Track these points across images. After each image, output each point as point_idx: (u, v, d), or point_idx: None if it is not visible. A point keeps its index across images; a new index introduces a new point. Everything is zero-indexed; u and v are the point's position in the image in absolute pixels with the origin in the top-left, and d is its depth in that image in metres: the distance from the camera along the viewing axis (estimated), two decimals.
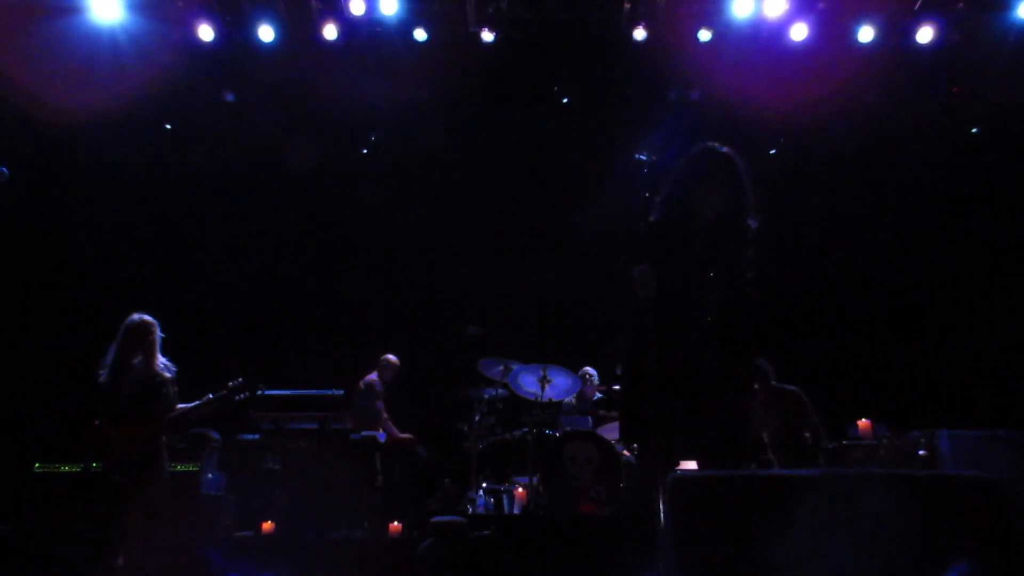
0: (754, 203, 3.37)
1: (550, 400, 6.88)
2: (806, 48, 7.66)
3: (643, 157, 4.21)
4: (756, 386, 5.93)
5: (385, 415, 7.31)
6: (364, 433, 6.76)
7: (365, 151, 9.16)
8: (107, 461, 4.93)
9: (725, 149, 3.39)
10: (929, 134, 8.53)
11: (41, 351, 8.14)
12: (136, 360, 4.95)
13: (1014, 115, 8.10)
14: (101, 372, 4.94)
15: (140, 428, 4.82)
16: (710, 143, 3.42)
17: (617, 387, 7.02)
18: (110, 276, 8.63)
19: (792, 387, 6.06)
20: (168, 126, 8.68)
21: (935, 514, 2.69)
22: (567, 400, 7.30)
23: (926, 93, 8.27)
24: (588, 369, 7.43)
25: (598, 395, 7.44)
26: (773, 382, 6.04)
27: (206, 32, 7.53)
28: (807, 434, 5.90)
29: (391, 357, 7.60)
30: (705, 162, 3.38)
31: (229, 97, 8.44)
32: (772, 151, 9.15)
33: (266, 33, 7.58)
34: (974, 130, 8.71)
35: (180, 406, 5.02)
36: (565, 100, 8.72)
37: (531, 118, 8.93)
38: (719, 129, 8.50)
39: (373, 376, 7.42)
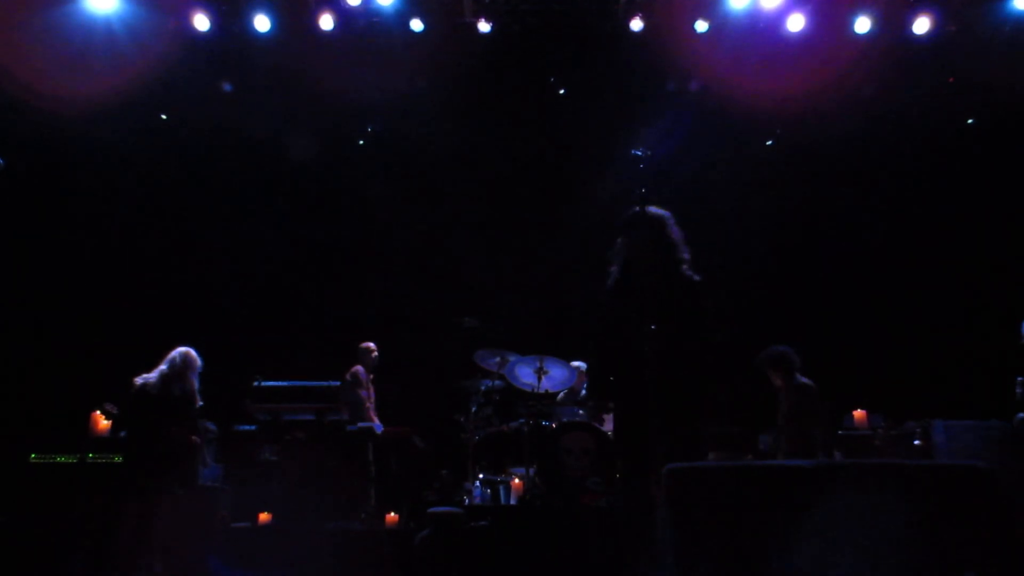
0: (682, 238, 4.10)
1: (547, 391, 6.89)
2: (803, 39, 7.65)
3: (639, 152, 4.26)
4: (777, 376, 5.96)
5: (368, 404, 7.28)
6: (361, 424, 6.76)
7: (361, 142, 9.13)
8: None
9: (653, 209, 4.07)
10: (926, 125, 8.53)
11: (37, 341, 8.13)
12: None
13: (1010, 105, 8.10)
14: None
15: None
16: (637, 208, 4.04)
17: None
18: (106, 265, 8.61)
19: (809, 382, 5.96)
20: (164, 116, 8.64)
21: (930, 504, 2.70)
22: (561, 394, 7.30)
23: (922, 84, 8.27)
24: (577, 363, 7.36)
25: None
26: (797, 375, 5.96)
27: (201, 22, 7.49)
28: (816, 431, 5.85)
29: (367, 344, 7.61)
30: (638, 224, 4.03)
31: (226, 87, 8.40)
32: (769, 142, 9.15)
33: (262, 23, 7.54)
34: (970, 120, 8.71)
35: None
36: (562, 91, 8.69)
37: (528, 109, 8.90)
38: (716, 120, 8.53)
39: (356, 367, 7.42)
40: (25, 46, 7.24)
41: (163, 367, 5.53)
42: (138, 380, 5.50)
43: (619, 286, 4.07)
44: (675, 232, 4.12)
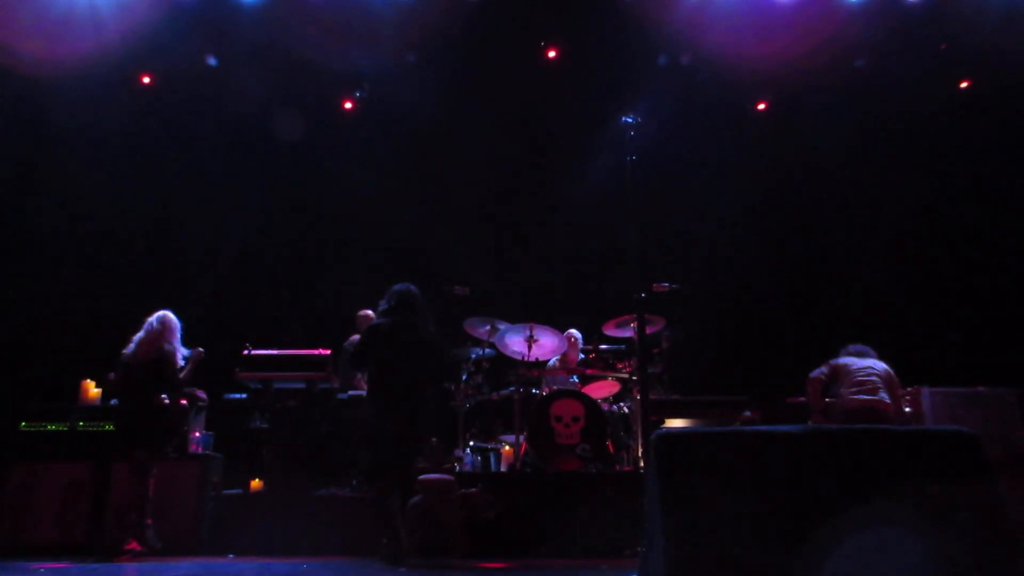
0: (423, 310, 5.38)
1: (537, 359, 6.89)
2: (794, 4, 7.58)
3: (629, 119, 4.22)
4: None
5: (361, 375, 7.25)
6: (352, 392, 6.76)
7: (349, 105, 9.00)
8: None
9: (403, 286, 5.44)
10: (918, 89, 8.48)
11: (26, 310, 8.08)
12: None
13: (1002, 70, 8.06)
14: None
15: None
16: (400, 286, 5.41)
17: (605, 346, 7.03)
18: (95, 233, 8.53)
19: None
20: (147, 80, 8.50)
21: (918, 468, 2.73)
22: (551, 362, 7.30)
23: (915, 49, 8.21)
24: (572, 331, 7.37)
25: (582, 356, 7.40)
26: None
27: None
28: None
29: (365, 311, 7.56)
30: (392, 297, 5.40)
31: (211, 55, 8.27)
32: (760, 106, 9.09)
33: None
34: (963, 84, 8.68)
35: None
36: (551, 55, 8.57)
37: (517, 75, 8.79)
38: (705, 86, 8.46)
39: (355, 337, 7.39)
40: (3, 8, 7.09)
41: (140, 333, 5.56)
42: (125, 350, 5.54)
43: (358, 353, 5.24)
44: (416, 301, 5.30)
